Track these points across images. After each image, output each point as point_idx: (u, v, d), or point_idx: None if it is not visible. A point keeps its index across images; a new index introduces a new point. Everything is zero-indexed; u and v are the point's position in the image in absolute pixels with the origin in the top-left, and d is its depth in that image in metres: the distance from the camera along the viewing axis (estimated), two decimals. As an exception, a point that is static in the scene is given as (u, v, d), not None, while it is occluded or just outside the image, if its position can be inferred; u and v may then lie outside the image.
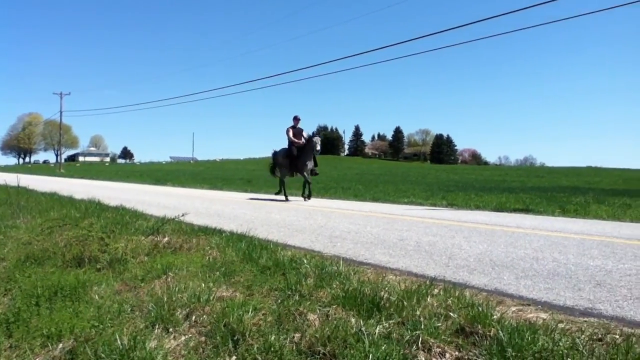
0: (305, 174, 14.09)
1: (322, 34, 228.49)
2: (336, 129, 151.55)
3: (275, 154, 15.33)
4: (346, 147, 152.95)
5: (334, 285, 3.79)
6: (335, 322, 3.03)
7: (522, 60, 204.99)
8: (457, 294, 3.52)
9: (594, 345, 2.64)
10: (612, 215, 10.01)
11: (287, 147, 14.73)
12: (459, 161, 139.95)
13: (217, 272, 4.36)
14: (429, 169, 69.83)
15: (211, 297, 3.58)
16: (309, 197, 14.17)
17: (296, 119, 14.72)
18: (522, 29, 16.05)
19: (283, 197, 14.90)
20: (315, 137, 14.24)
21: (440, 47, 25.68)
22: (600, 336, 2.84)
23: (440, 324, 2.97)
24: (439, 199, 14.47)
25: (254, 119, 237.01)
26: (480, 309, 3.11)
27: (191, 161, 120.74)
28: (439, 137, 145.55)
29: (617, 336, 2.80)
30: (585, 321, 3.16)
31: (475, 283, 4.20)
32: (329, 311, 3.27)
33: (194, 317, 3.30)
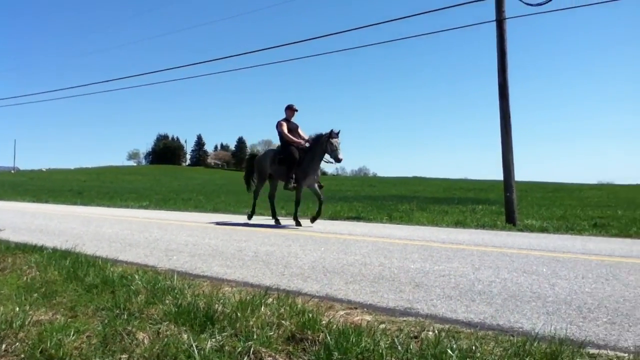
0: (314, 186, 10.21)
1: (160, 40, 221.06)
2: (177, 138, 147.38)
3: (258, 159, 11.11)
4: (188, 157, 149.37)
5: (167, 301, 3.67)
6: (166, 339, 2.94)
7: (347, 71, 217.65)
8: (289, 302, 3.61)
9: (410, 343, 2.88)
10: (432, 221, 11.05)
11: (279, 148, 10.64)
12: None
13: (36, 294, 3.98)
14: (271, 179, 71.02)
15: (26, 322, 3.26)
16: (315, 218, 10.15)
17: (291, 110, 10.53)
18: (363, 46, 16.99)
19: (247, 219, 11.12)
20: (335, 139, 9.57)
21: (281, 61, 26.21)
22: (416, 333, 3.10)
23: (272, 333, 3.03)
24: (279, 209, 14.77)
25: (87, 126, 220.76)
26: (310, 315, 3.23)
27: (12, 171, 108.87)
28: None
29: (430, 332, 3.09)
30: (404, 320, 3.43)
31: (308, 290, 4.35)
32: (160, 328, 3.16)
33: (4, 346, 2.97)
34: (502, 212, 11.47)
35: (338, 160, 9.56)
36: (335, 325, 3.11)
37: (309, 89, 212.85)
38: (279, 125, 10.34)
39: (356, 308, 3.77)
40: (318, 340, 2.93)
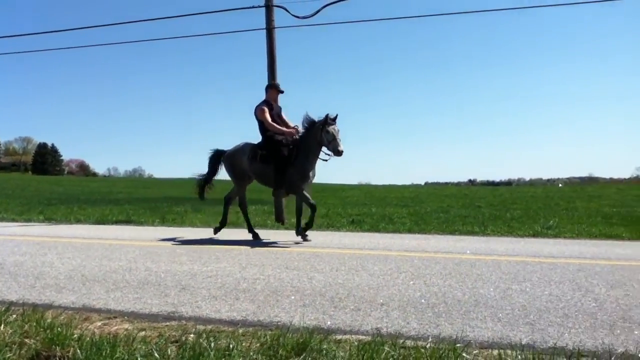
0: (303, 194, 7.80)
1: None
2: None
3: (230, 156, 8.34)
4: None
5: None
6: None
7: (122, 71, 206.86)
8: (37, 317, 3.27)
9: (169, 348, 2.83)
10: (206, 222, 11.03)
11: (260, 141, 8.05)
12: (66, 172, 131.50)
13: None
14: (30, 180, 63.34)
15: None
16: (306, 228, 7.82)
17: (275, 90, 8.24)
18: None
19: (249, 235, 8.21)
20: (332, 126, 7.50)
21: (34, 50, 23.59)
22: (177, 337, 3.06)
23: (11, 355, 2.70)
24: (37, 214, 13.32)
25: None
26: (60, 329, 2.97)
27: None
28: (42, 146, 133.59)
29: (192, 335, 3.08)
30: (167, 325, 3.37)
31: (63, 302, 3.99)
32: None
33: None
34: (272, 212, 11.99)
35: (339, 153, 7.46)
36: (88, 338, 2.90)
37: (71, 85, 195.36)
38: (259, 112, 7.83)
39: (116, 317, 3.58)
40: (67, 356, 2.71)
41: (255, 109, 7.92)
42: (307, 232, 7.79)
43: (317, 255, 6.24)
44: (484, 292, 4.26)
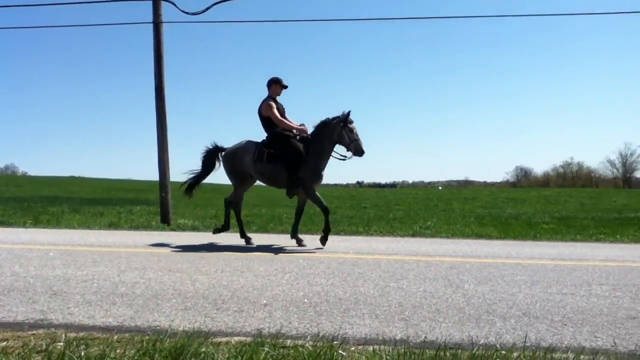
0: (315, 195, 7.24)
1: None
2: None
3: (230, 154, 7.64)
4: None
5: None
6: None
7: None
8: None
9: (33, 358, 2.64)
10: (84, 223, 10.43)
11: (265, 139, 7.48)
12: None
13: None
14: None
15: None
16: (325, 236, 7.17)
17: (279, 85, 7.47)
18: None
19: (236, 238, 7.71)
20: (352, 124, 7.19)
21: None
22: (44, 347, 2.86)
23: None
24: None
25: None
26: None
27: None
28: None
29: (61, 343, 2.88)
30: (34, 334, 3.14)
31: None
32: None
33: None
34: (158, 213, 11.58)
35: (362, 153, 7.13)
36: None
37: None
38: (265, 107, 7.27)
39: (-27, 328, 3.27)
40: None
41: (261, 105, 7.37)
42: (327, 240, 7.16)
43: (202, 257, 6.12)
44: (364, 290, 4.42)
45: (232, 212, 7.89)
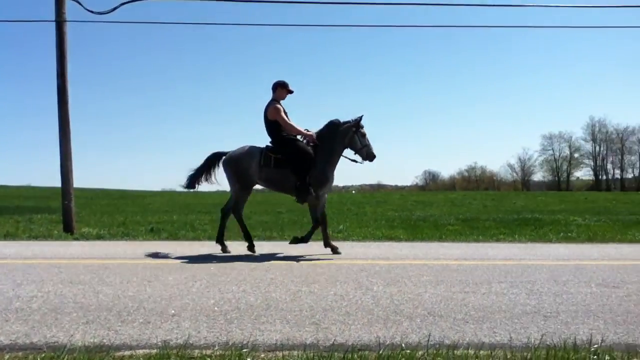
0: (322, 202, 7.21)
1: None
2: None
3: (234, 158, 7.19)
4: None
5: None
6: None
7: None
8: None
9: None
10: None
11: (270, 144, 7.22)
12: None
13: None
14: None
15: None
16: (300, 240, 7.21)
17: (285, 89, 7.25)
18: None
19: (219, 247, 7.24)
20: (363, 129, 7.19)
21: None
22: None
23: None
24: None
25: None
26: None
27: None
28: None
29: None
30: None
31: None
32: None
33: None
34: (60, 221, 10.94)
35: (373, 157, 7.19)
36: None
37: None
38: (273, 111, 7.05)
39: None
40: None
41: (267, 109, 7.12)
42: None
43: (107, 267, 5.85)
44: (276, 295, 4.41)
45: (223, 222, 7.44)
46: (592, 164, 79.98)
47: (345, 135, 7.13)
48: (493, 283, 5.02)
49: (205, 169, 7.56)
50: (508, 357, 2.86)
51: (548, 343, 3.10)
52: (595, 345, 3.00)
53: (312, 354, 2.79)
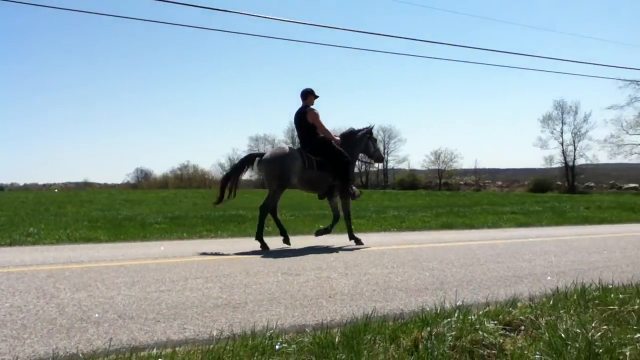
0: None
1: None
2: None
3: (277, 158, 7.56)
4: None
5: None
6: None
7: None
8: None
9: None
10: None
11: (304, 147, 7.75)
12: None
13: None
14: None
15: None
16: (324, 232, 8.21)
17: (313, 95, 7.88)
18: None
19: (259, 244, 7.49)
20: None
21: None
22: None
23: None
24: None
25: None
26: None
27: None
28: None
29: None
30: None
31: None
32: None
33: None
34: None
35: (382, 160, 8.94)
36: None
37: None
38: (313, 116, 7.67)
39: None
40: None
41: (305, 113, 7.74)
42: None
43: None
44: None
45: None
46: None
47: (362, 141, 8.34)
48: (189, 279, 5.09)
49: (241, 169, 7.95)
50: (191, 352, 2.91)
51: (234, 332, 3.27)
52: (271, 330, 3.27)
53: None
